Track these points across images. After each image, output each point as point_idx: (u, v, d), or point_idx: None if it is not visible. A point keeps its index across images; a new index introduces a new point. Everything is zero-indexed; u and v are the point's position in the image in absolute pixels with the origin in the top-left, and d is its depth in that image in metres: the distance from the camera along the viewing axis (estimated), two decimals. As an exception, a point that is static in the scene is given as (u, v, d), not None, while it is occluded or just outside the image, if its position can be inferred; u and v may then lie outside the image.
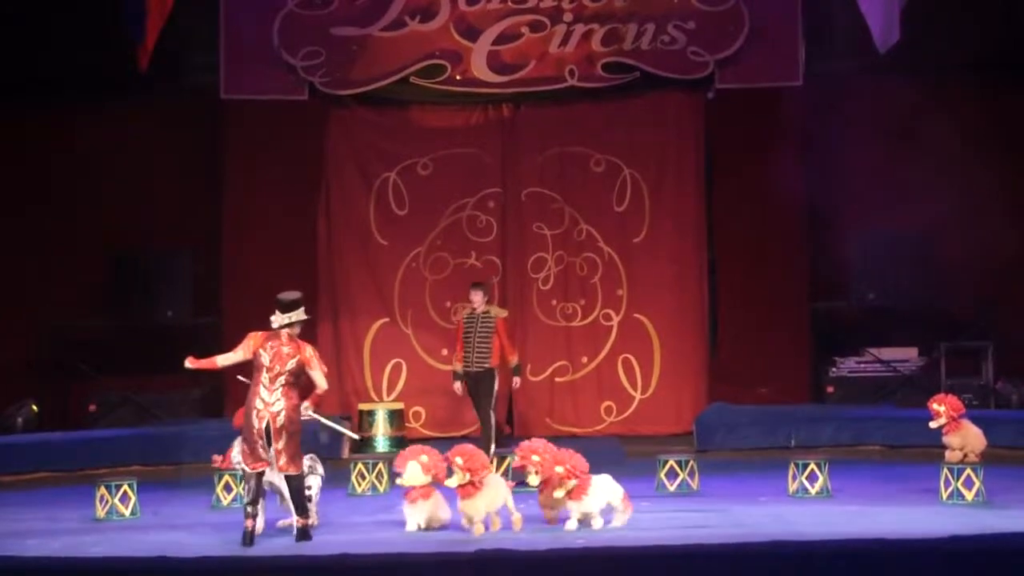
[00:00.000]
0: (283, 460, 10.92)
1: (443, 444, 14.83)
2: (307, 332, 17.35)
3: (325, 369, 11.38)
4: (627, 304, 17.91)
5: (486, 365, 15.09)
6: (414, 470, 11.10)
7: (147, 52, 16.07)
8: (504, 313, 15.55)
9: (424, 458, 11.14)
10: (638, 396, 17.82)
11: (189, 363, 11.34)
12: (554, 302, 17.94)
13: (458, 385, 15.46)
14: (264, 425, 10.89)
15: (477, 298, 15.22)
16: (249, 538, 10.78)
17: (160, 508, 12.86)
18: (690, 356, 17.82)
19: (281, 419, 10.93)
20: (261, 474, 11.00)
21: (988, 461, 13.07)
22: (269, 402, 10.95)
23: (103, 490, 12.59)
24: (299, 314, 11.15)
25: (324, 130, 17.90)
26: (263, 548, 10.59)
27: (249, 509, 10.91)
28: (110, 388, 17.42)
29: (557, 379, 17.88)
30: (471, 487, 10.97)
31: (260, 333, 11.14)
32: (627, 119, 17.97)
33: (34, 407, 16.93)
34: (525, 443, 11.40)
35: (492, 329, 15.12)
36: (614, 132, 17.98)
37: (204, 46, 17.57)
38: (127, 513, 12.54)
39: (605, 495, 11.23)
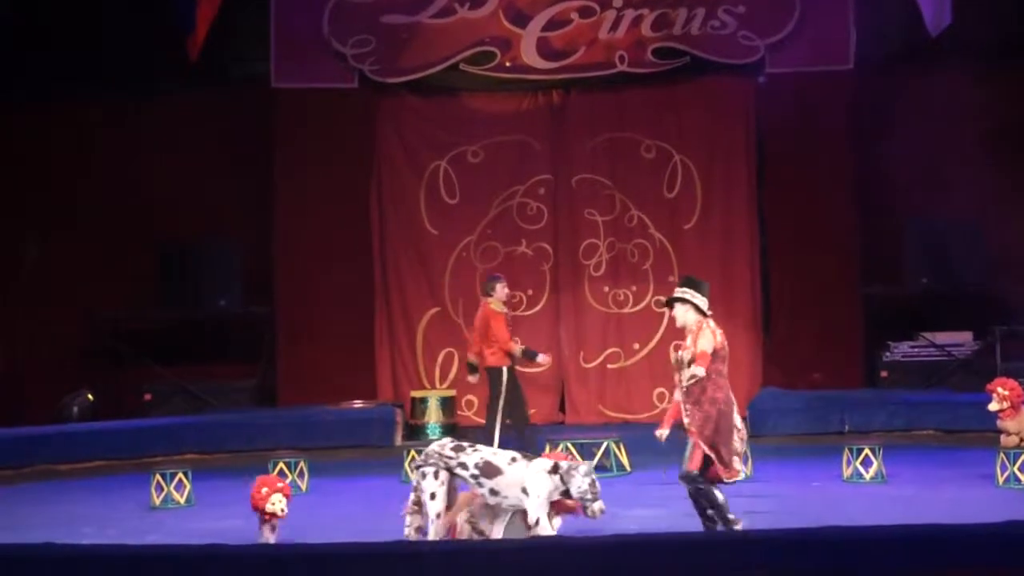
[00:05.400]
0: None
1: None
2: (364, 322, 17.62)
3: None
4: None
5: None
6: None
7: (197, 42, 16.16)
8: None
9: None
10: (690, 382, 17.71)
11: (664, 430, 10.02)
12: (606, 289, 17.89)
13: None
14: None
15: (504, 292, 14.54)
16: None
17: (214, 496, 12.95)
18: (743, 342, 17.66)
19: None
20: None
21: (1044, 446, 13.00)
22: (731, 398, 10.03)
23: (159, 478, 12.72)
24: None
25: (374, 118, 17.89)
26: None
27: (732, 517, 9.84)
28: (164, 377, 17.50)
29: (609, 365, 17.84)
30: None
31: (708, 319, 10.18)
32: (677, 104, 17.89)
33: (90, 396, 17.06)
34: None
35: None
36: (664, 118, 17.91)
37: (254, 36, 17.64)
38: (182, 501, 12.67)
39: None
